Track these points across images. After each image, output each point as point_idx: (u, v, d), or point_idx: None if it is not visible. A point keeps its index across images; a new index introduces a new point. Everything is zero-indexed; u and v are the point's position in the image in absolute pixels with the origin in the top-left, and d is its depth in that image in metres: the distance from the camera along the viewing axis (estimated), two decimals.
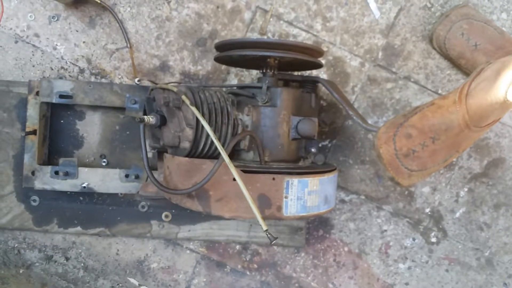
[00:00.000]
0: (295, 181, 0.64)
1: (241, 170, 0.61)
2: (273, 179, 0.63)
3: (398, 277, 0.98)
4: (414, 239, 0.98)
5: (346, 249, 0.97)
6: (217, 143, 0.57)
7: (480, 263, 0.99)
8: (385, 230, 0.97)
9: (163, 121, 0.67)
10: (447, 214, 0.98)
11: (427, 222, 0.98)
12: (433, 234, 0.98)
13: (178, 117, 0.64)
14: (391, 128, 0.73)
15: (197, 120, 0.62)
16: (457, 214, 0.98)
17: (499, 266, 0.99)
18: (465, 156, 0.97)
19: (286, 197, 0.64)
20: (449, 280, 0.99)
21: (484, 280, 0.99)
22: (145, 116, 0.64)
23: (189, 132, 0.63)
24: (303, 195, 0.65)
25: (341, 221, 0.97)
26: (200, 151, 0.66)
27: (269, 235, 0.53)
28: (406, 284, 0.98)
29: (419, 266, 0.98)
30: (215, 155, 0.68)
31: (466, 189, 0.97)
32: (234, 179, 0.61)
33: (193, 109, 0.60)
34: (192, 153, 0.66)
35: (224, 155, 0.57)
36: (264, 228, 0.51)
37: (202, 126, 0.62)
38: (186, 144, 0.64)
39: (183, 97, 0.62)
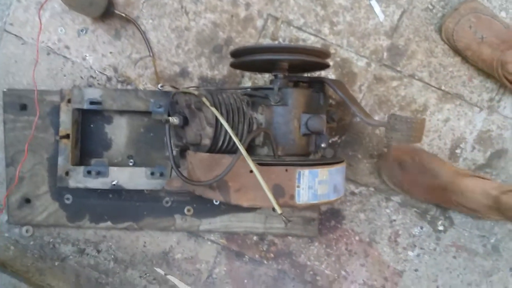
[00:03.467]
0: (306, 172, 0.70)
1: (257, 163, 0.68)
2: (286, 170, 0.70)
3: (408, 264, 1.04)
4: (422, 228, 1.03)
5: (357, 238, 1.03)
6: (235, 139, 0.64)
7: (487, 250, 1.04)
8: (394, 220, 1.03)
9: (185, 122, 0.74)
10: None
11: (434, 212, 1.03)
12: (440, 222, 1.03)
13: (199, 117, 0.72)
14: (410, 148, 0.97)
15: (217, 119, 0.69)
16: None
17: (505, 252, 1.04)
18: (469, 148, 1.02)
19: (298, 187, 0.70)
20: (456, 266, 1.04)
21: (491, 266, 1.04)
22: (170, 117, 0.72)
23: (210, 130, 0.70)
24: (314, 184, 0.71)
25: (352, 212, 1.03)
26: (220, 147, 0.73)
27: (284, 218, 0.60)
28: (415, 270, 1.04)
29: (428, 253, 1.04)
30: (233, 150, 0.75)
31: None
32: (251, 171, 0.68)
33: (213, 109, 0.67)
34: (212, 149, 0.73)
35: (242, 149, 0.64)
36: (279, 211, 0.58)
37: (221, 125, 0.69)
38: (207, 141, 0.71)
39: (203, 99, 0.69)
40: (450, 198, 0.94)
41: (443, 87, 1.01)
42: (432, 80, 1.01)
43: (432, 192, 0.96)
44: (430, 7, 0.99)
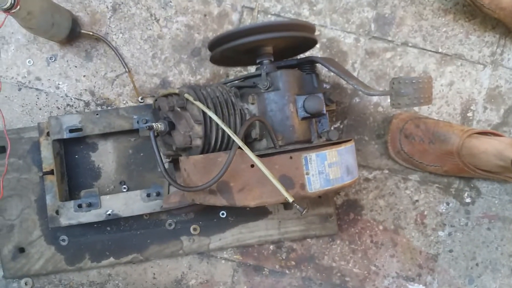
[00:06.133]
0: (313, 155, 0.63)
1: (258, 155, 0.61)
2: (291, 158, 0.62)
3: (441, 245, 0.95)
4: (448, 204, 0.95)
5: (381, 227, 0.95)
6: (227, 130, 0.57)
7: None
8: (417, 200, 0.95)
9: (171, 126, 0.67)
10: None
11: (458, 184, 0.95)
12: (466, 194, 0.95)
13: (185, 117, 0.65)
14: (412, 115, 0.91)
15: (204, 114, 0.62)
16: None
17: None
18: (481, 109, 0.95)
19: (307, 174, 0.63)
20: (493, 238, 0.95)
21: None
22: (154, 124, 0.65)
23: (199, 129, 0.63)
24: (324, 168, 0.63)
25: (370, 200, 0.95)
26: (214, 145, 0.66)
27: (298, 207, 0.52)
28: (450, 251, 0.95)
29: (460, 230, 0.95)
30: (230, 147, 0.67)
31: None
32: (252, 166, 0.60)
33: (198, 103, 0.60)
34: (205, 150, 0.66)
35: (237, 139, 0.56)
36: (291, 199, 0.50)
37: (211, 120, 0.62)
38: (198, 142, 0.64)
39: (186, 95, 0.63)
40: (464, 162, 0.86)
41: (440, 50, 0.95)
42: (427, 44, 0.95)
43: (445, 159, 0.88)
44: None
